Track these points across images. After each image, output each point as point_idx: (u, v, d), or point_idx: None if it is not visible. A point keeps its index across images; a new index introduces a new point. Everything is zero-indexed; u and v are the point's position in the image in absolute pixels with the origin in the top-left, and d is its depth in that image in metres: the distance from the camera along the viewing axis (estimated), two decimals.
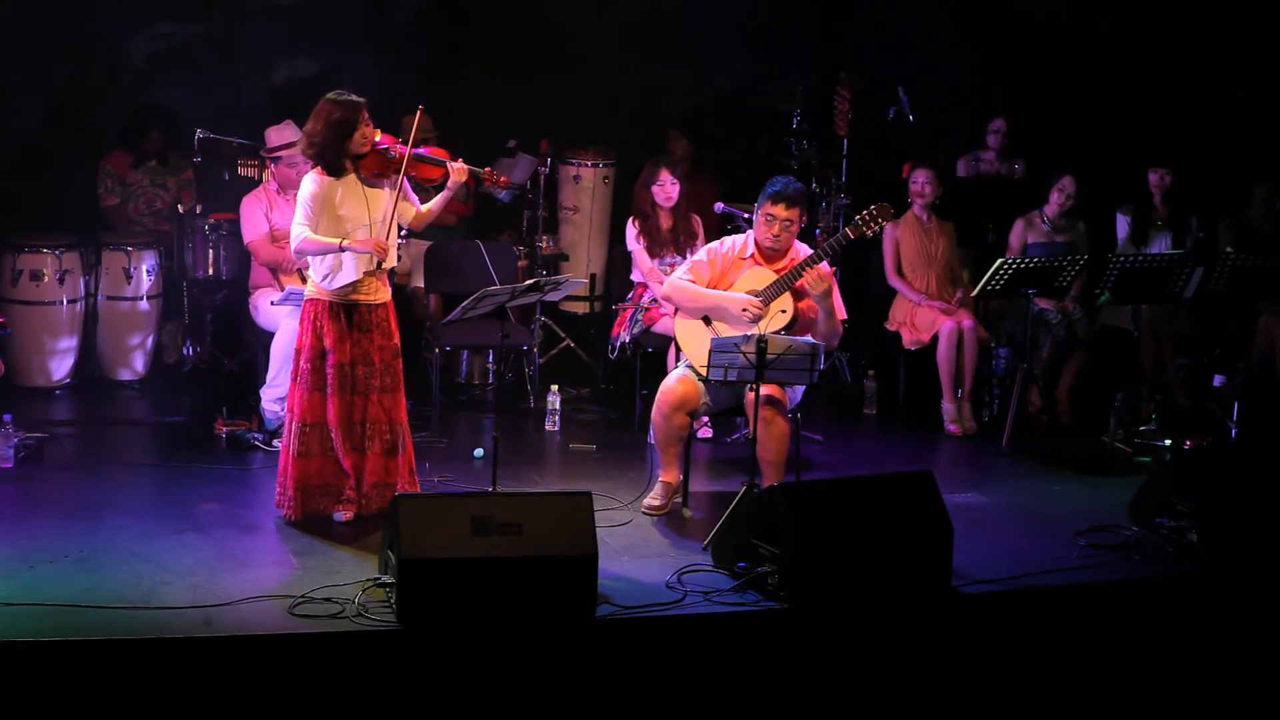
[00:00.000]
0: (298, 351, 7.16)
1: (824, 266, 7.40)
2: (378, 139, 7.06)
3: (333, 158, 6.98)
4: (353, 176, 7.05)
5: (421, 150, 7.20)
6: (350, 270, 7.02)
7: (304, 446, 7.10)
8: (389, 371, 7.16)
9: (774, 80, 10.97)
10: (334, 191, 7.00)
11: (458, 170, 7.17)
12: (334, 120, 6.95)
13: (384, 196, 7.10)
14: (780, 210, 7.48)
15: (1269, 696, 6.61)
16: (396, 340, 7.21)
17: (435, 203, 7.29)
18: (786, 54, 11.13)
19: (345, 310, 7.07)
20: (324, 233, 6.99)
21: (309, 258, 7.10)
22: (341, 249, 6.95)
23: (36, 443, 8.06)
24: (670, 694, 6.12)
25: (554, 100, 10.83)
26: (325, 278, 7.05)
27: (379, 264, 7.02)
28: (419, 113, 7.11)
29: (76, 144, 10.05)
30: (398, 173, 7.07)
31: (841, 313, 7.58)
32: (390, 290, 7.25)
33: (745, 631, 6.27)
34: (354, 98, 7.00)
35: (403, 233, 8.76)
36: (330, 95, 7.02)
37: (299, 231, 6.97)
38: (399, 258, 8.89)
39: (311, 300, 7.12)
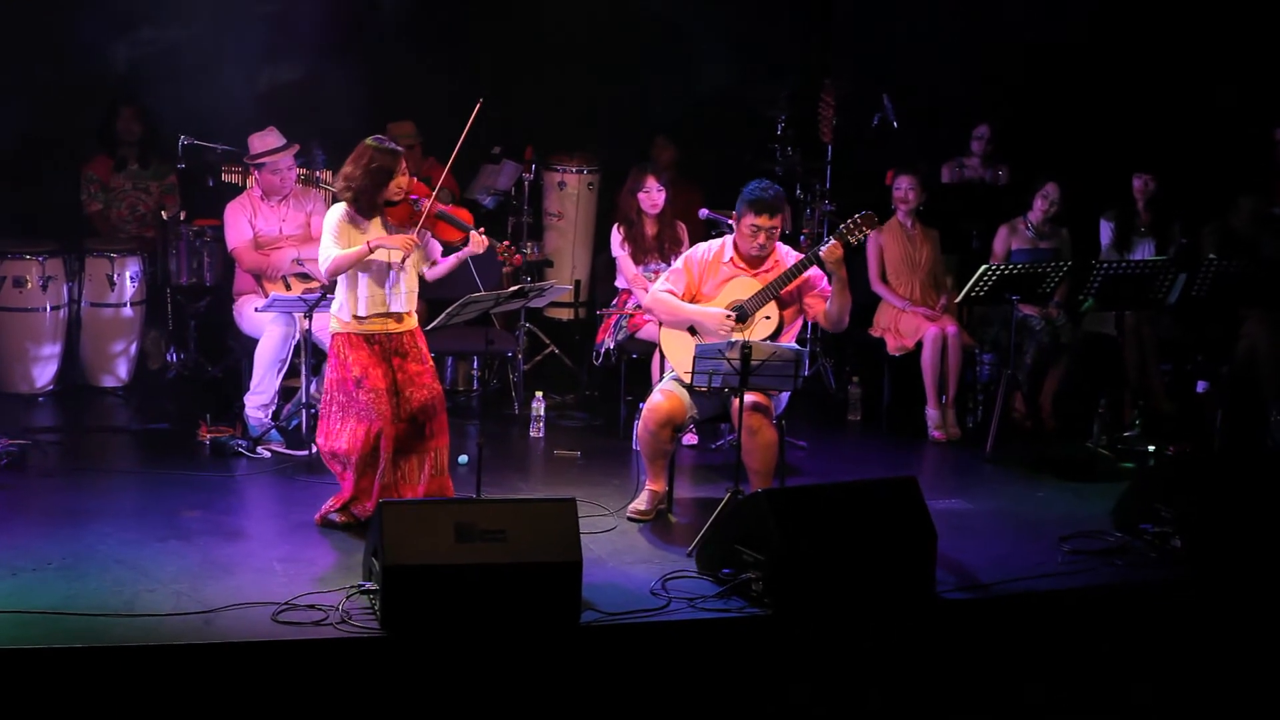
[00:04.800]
0: (327, 391, 7.25)
1: (835, 243, 7.39)
2: (410, 189, 7.19)
3: (366, 202, 7.12)
4: (378, 221, 7.17)
5: (448, 210, 7.29)
6: (364, 302, 7.10)
7: (353, 473, 7.21)
8: (429, 392, 7.23)
9: (758, 87, 10.97)
10: (358, 227, 7.13)
11: (476, 241, 7.23)
12: (373, 168, 7.07)
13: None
14: (764, 220, 7.49)
15: (1253, 701, 6.61)
16: (431, 363, 7.30)
17: (444, 265, 7.33)
18: (771, 60, 11.14)
19: (366, 338, 7.15)
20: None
21: (334, 294, 7.22)
22: (371, 250, 7.03)
23: (19, 450, 8.03)
24: (655, 701, 6.11)
25: (538, 106, 10.83)
26: (342, 309, 7.16)
27: (403, 259, 7.08)
28: (467, 125, 7.14)
29: (59, 150, 10.03)
30: (416, 225, 7.16)
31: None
32: (415, 320, 7.31)
33: (730, 638, 6.27)
34: (395, 146, 7.15)
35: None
36: (371, 141, 7.15)
37: (328, 252, 7.07)
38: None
39: (335, 334, 7.22)
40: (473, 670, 5.95)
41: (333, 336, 7.24)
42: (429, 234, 7.26)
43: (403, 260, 7.10)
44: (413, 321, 7.29)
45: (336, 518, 7.23)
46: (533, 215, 10.44)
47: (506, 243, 7.58)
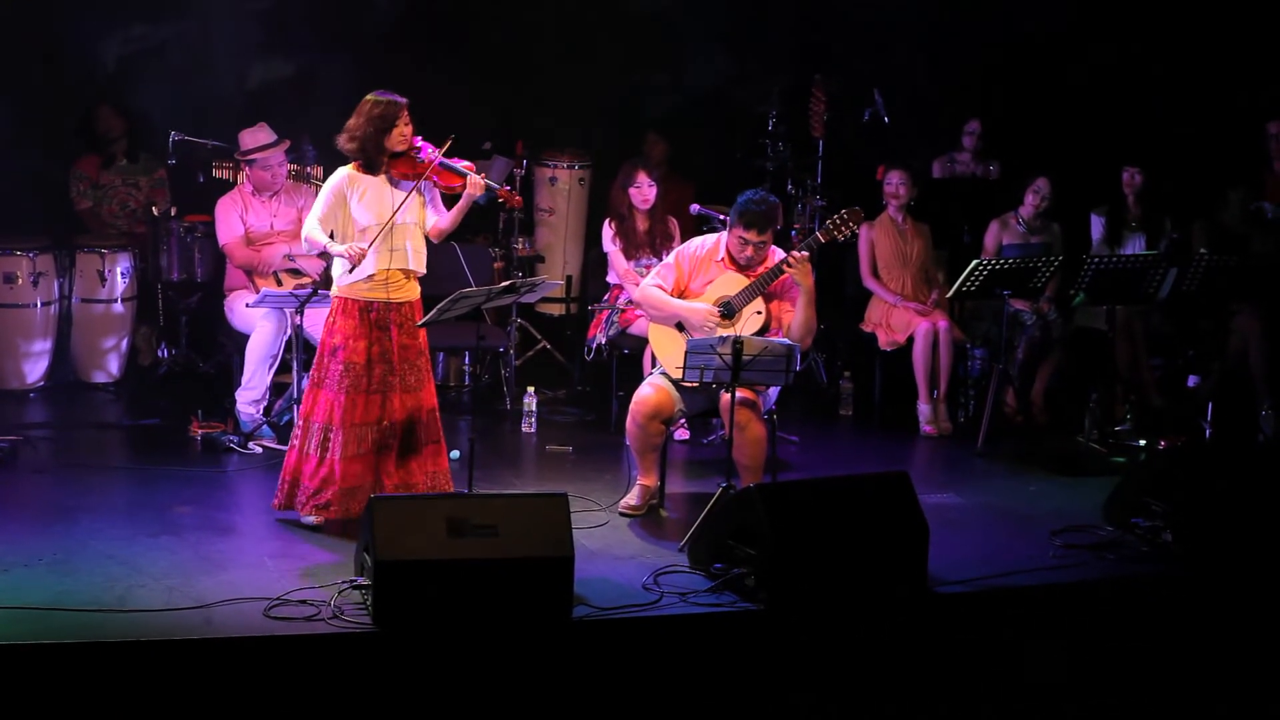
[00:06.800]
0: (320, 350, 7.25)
1: (802, 254, 7.42)
2: (417, 142, 7.14)
3: (372, 152, 7.07)
4: (384, 176, 7.13)
5: (452, 161, 7.21)
6: (369, 263, 7.04)
7: (299, 441, 7.16)
8: (413, 371, 7.18)
9: (749, 82, 10.97)
10: (357, 187, 7.08)
11: (474, 184, 7.17)
12: (375, 115, 7.05)
13: (406, 198, 7.13)
14: (753, 235, 7.50)
15: (1243, 694, 6.63)
16: (422, 339, 7.23)
17: (448, 217, 7.26)
18: (762, 56, 11.14)
19: (361, 308, 7.09)
20: (335, 227, 7.10)
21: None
22: (322, 251, 7.09)
23: (10, 446, 8.03)
24: (647, 696, 6.11)
25: (530, 101, 10.82)
26: (341, 274, 7.11)
27: (350, 269, 7.01)
28: (442, 150, 7.12)
29: (50, 147, 10.02)
30: (419, 177, 7.12)
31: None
32: (419, 289, 7.25)
33: (722, 633, 6.27)
34: (397, 97, 7.10)
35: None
36: (372, 94, 7.12)
37: (310, 223, 7.11)
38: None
39: (333, 297, 7.20)
40: (465, 665, 5.95)
41: (333, 298, 7.21)
42: (433, 185, 7.19)
43: (350, 269, 7.00)
44: (415, 290, 7.23)
45: (314, 518, 7.13)
46: (524, 210, 10.43)
47: (507, 187, 7.54)
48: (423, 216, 7.21)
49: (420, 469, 7.23)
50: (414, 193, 7.13)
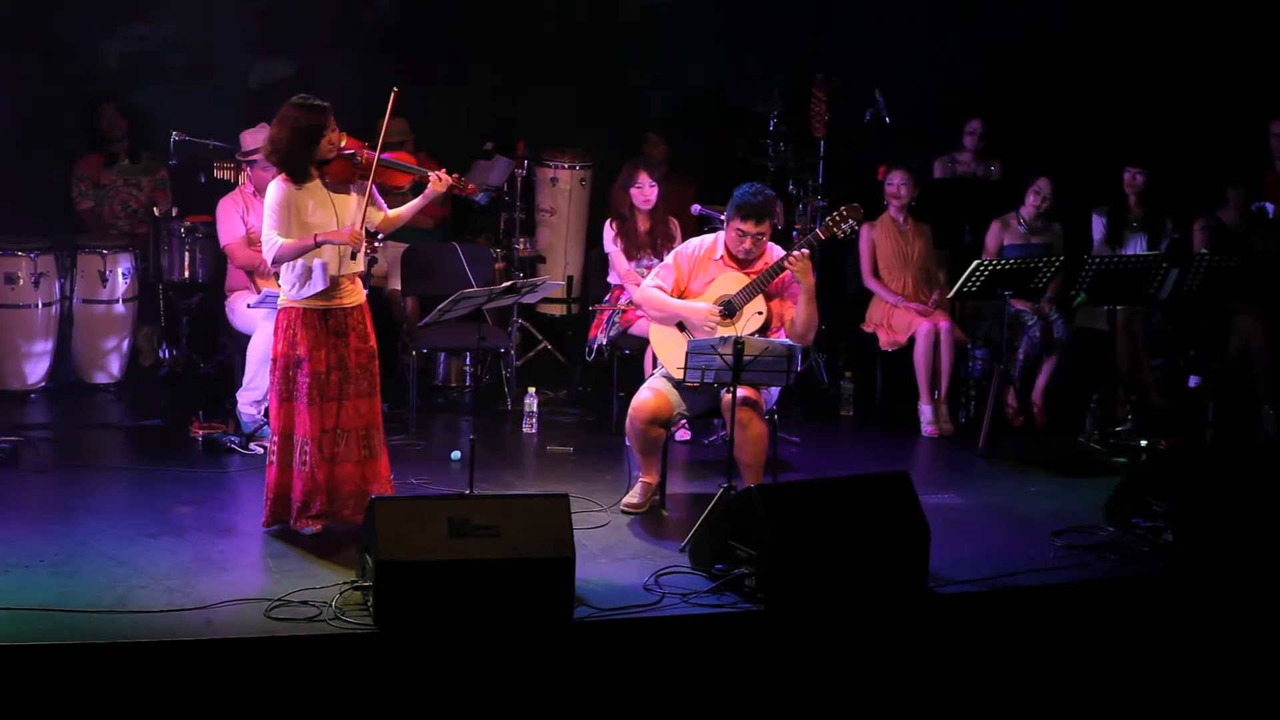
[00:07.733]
0: (273, 362, 7.06)
1: (803, 251, 7.43)
2: (343, 144, 6.95)
3: (297, 164, 6.85)
4: (318, 183, 6.92)
5: (389, 156, 7.08)
6: (319, 279, 6.90)
7: (277, 457, 7.04)
8: (365, 375, 7.06)
9: (750, 82, 10.96)
10: (301, 198, 6.88)
11: (437, 180, 7.07)
12: (300, 126, 6.82)
13: (351, 202, 6.98)
14: (750, 226, 7.50)
15: (1245, 695, 6.63)
16: (373, 343, 7.12)
17: (407, 209, 7.17)
18: (763, 56, 11.14)
19: (319, 316, 6.97)
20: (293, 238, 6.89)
21: (282, 267, 6.99)
22: (317, 244, 6.82)
23: (11, 446, 8.04)
24: (648, 697, 6.11)
25: (531, 101, 10.82)
26: (294, 287, 6.95)
27: (354, 254, 6.89)
28: (386, 116, 6.90)
29: (51, 147, 10.03)
30: (365, 178, 6.94)
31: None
32: (365, 293, 7.19)
33: (723, 633, 6.27)
34: (319, 102, 6.87)
35: (380, 239, 8.80)
36: (295, 99, 6.90)
37: (272, 240, 6.83)
38: (375, 260, 8.90)
39: (284, 309, 7.02)
40: (466, 666, 5.95)
41: (281, 311, 7.01)
42: (373, 187, 6.97)
43: (353, 255, 6.88)
44: (362, 294, 7.11)
45: (312, 529, 7.01)
46: (525, 211, 10.44)
47: (456, 174, 7.34)
48: (364, 215, 7.01)
49: (374, 475, 7.11)
50: (366, 198, 6.94)
